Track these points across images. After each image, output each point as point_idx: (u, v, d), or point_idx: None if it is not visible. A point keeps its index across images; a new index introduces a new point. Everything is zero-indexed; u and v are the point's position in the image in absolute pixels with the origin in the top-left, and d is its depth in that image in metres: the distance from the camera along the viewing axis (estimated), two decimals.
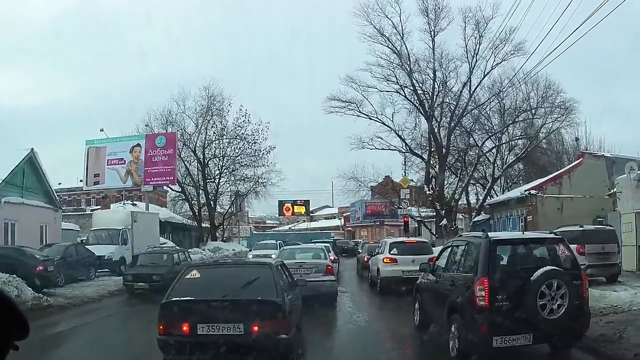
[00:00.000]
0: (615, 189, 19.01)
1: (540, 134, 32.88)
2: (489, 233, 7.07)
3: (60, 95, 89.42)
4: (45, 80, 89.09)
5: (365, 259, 19.61)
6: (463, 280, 6.80)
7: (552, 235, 7.47)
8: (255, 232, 67.73)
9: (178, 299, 6.14)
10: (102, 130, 32.06)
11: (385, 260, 14.58)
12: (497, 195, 33.19)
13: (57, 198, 27.06)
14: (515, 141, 34.51)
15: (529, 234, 8.20)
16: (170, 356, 5.97)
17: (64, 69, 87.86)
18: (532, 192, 25.23)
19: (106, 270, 20.40)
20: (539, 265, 6.39)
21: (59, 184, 49.51)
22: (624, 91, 59.18)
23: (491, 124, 33.99)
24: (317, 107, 42.83)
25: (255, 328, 5.79)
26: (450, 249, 8.05)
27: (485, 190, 33.23)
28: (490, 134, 33.13)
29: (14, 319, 1.40)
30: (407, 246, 14.29)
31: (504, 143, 33.59)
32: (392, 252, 14.73)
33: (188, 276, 6.64)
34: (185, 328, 5.86)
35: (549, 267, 6.30)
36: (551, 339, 6.51)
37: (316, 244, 19.72)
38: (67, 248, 18.53)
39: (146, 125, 35.85)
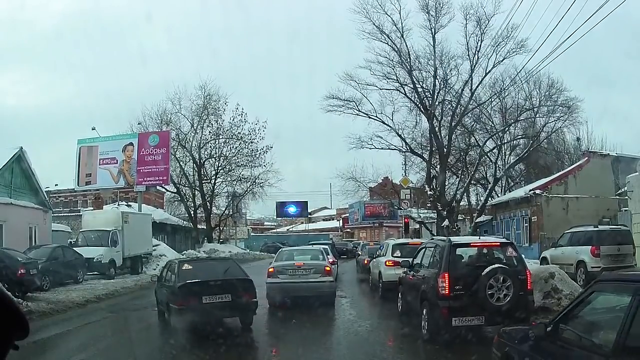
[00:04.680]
0: (625, 188, 18.25)
1: (543, 134, 32.18)
2: (451, 237, 9.07)
3: (60, 96, 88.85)
4: (46, 82, 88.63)
5: (366, 262, 18.79)
6: (431, 274, 8.33)
7: (503, 240, 9.40)
8: (253, 234, 67.01)
9: (190, 281, 9.10)
10: (94, 129, 31.25)
11: (387, 263, 13.82)
12: (497, 196, 32.48)
13: (47, 198, 26.32)
14: (517, 141, 33.82)
15: (484, 239, 9.49)
16: (187, 317, 8.79)
17: (65, 70, 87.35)
18: (537, 191, 24.46)
19: (95, 273, 19.69)
20: (490, 263, 7.84)
21: (56, 185, 48.97)
22: (622, 92, 58.65)
23: (492, 123, 33.33)
24: (316, 108, 42.25)
25: (238, 296, 9.10)
26: (424, 249, 9.69)
27: (487, 190, 32.49)
28: (492, 134, 32.40)
29: (14, 318, 1.39)
30: (411, 248, 13.43)
31: (506, 142, 32.88)
32: (394, 254, 13.98)
33: (184, 268, 9.92)
34: (193, 299, 8.82)
35: (496, 265, 7.74)
36: (500, 321, 7.56)
37: (314, 246, 18.86)
38: (54, 250, 17.81)
39: (139, 124, 35.03)
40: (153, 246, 26.00)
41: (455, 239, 8.84)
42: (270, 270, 12.10)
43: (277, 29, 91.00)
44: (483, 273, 7.52)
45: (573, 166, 27.39)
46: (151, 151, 30.03)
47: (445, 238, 9.09)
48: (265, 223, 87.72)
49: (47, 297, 14.00)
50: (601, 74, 51.79)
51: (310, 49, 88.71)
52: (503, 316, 7.53)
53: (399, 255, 13.66)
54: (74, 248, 19.94)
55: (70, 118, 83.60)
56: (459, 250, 8.37)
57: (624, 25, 38.77)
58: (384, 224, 59.40)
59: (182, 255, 28.69)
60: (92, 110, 76.15)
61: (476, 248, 8.58)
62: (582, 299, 3.89)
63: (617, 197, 20.39)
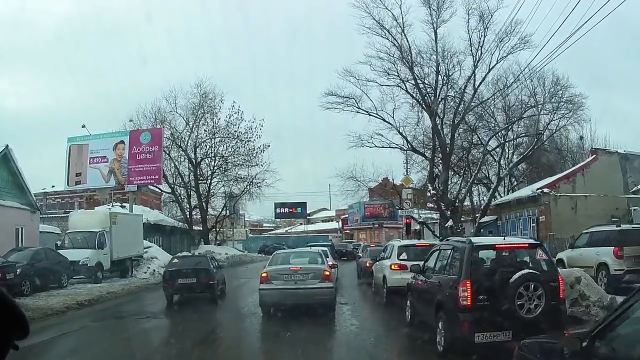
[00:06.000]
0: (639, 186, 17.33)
1: (547, 132, 31.26)
2: (471, 238, 7.96)
3: (60, 97, 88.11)
4: (46, 83, 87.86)
5: (368, 264, 17.71)
6: (448, 281, 7.33)
7: (531, 241, 8.42)
8: (251, 235, 66.03)
9: (171, 269, 14.44)
10: (84, 126, 30.24)
11: (393, 267, 12.66)
12: (500, 196, 31.53)
13: (35, 198, 25.31)
14: (521, 139, 32.91)
15: (510, 240, 8.48)
16: (167, 292, 14.06)
17: (65, 72, 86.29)
18: (545, 190, 23.47)
19: (81, 276, 18.64)
20: (518, 269, 6.84)
21: (53, 186, 48.01)
22: (622, 93, 57.84)
23: (495, 121, 32.40)
24: (315, 108, 41.27)
25: (200, 279, 13.85)
26: (438, 252, 8.60)
27: (491, 190, 31.54)
28: (495, 132, 31.44)
29: (14, 318, 1.35)
30: (419, 250, 12.31)
31: (509, 140, 31.94)
32: (401, 257, 12.84)
33: (173, 261, 15.61)
34: (173, 280, 13.95)
35: (526, 270, 6.76)
36: (530, 335, 6.38)
37: (312, 247, 17.78)
38: (36, 252, 16.79)
39: (130, 121, 33.93)
40: (144, 248, 24.94)
41: (476, 240, 7.80)
42: (264, 275, 10.91)
43: (277, 29, 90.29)
44: (511, 280, 6.52)
45: (581, 164, 26.51)
46: (143, 149, 28.93)
47: (464, 239, 8.02)
48: (264, 224, 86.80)
49: (25, 304, 12.99)
50: (601, 75, 51.09)
51: (310, 49, 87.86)
52: (533, 330, 6.48)
53: (406, 258, 12.50)
54: (59, 250, 18.91)
55: (71, 119, 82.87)
56: (481, 253, 7.38)
57: (624, 25, 37.97)
58: (384, 225, 58.45)
59: None
60: (93, 112, 75.38)
61: (500, 250, 7.51)
62: (624, 310, 3.30)
63: (632, 195, 19.39)
